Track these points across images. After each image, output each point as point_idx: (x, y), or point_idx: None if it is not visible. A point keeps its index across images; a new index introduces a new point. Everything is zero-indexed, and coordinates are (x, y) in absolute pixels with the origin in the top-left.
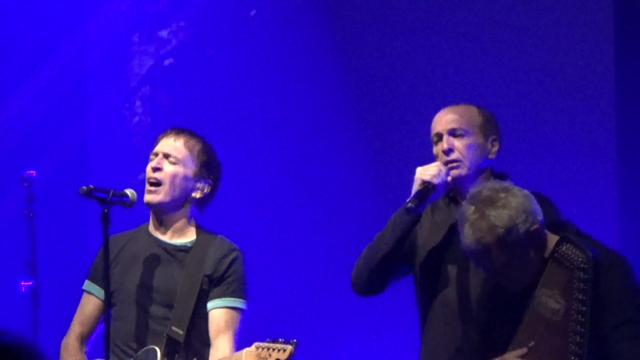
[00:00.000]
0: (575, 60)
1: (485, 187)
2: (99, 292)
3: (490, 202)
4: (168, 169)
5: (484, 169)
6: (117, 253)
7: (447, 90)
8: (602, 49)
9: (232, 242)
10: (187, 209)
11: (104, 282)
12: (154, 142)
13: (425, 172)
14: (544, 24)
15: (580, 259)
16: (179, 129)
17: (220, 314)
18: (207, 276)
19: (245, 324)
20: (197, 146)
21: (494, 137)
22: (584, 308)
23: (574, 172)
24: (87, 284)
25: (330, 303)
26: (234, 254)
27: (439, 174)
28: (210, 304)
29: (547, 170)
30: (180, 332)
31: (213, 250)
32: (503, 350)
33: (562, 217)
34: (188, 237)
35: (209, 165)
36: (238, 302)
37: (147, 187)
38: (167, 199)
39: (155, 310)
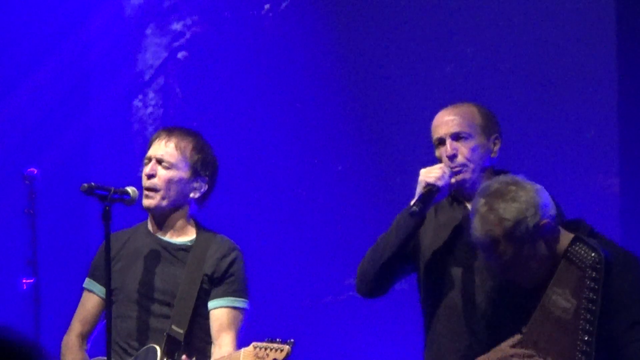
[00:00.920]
0: (577, 57)
1: (496, 180)
2: (100, 290)
3: (500, 195)
4: (162, 174)
5: (487, 167)
6: (117, 251)
7: (449, 90)
8: (604, 45)
9: (233, 241)
10: (185, 209)
11: (106, 279)
12: (149, 142)
13: (429, 175)
14: (546, 22)
15: (592, 259)
16: (169, 130)
17: (222, 313)
18: (207, 275)
19: (246, 323)
20: (189, 146)
21: (495, 135)
22: (594, 307)
23: (575, 171)
24: (88, 282)
25: (330, 303)
26: (234, 254)
27: (442, 176)
28: (211, 304)
29: (548, 168)
30: (181, 331)
31: (213, 249)
32: None
33: (563, 215)
34: (188, 236)
35: (203, 163)
36: (240, 302)
37: (145, 192)
38: (164, 203)
39: (156, 308)
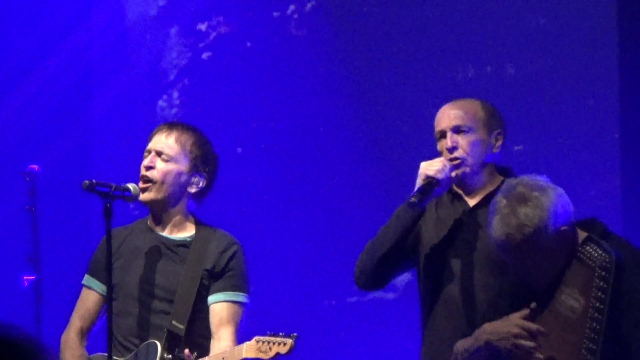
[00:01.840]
0: (578, 55)
1: (521, 182)
2: (99, 286)
3: (523, 199)
4: (160, 166)
5: (488, 163)
6: (117, 248)
7: (450, 85)
8: (606, 44)
9: (232, 236)
10: (183, 204)
11: (107, 276)
12: (149, 135)
13: (430, 167)
14: (547, 21)
15: (602, 259)
16: (171, 124)
17: (221, 307)
18: (207, 270)
19: (247, 317)
20: (190, 140)
21: (498, 131)
22: (602, 307)
23: (576, 168)
24: (87, 279)
25: (331, 297)
26: (234, 248)
27: (443, 169)
28: (211, 298)
29: (549, 165)
30: (181, 326)
31: (213, 244)
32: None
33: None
34: (187, 231)
35: (203, 159)
36: (239, 296)
37: (140, 184)
38: (160, 196)
39: (156, 305)
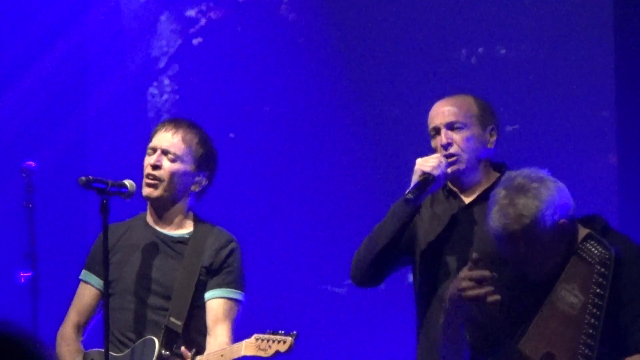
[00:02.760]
0: (575, 53)
1: (521, 174)
2: (96, 281)
3: (522, 190)
4: (167, 165)
5: (483, 159)
6: (115, 243)
7: (446, 81)
8: (600, 23)
9: (230, 233)
10: (185, 202)
11: (104, 272)
12: (150, 134)
13: (425, 164)
14: (544, 19)
15: (602, 255)
16: (176, 122)
17: (218, 304)
18: (205, 267)
19: (245, 315)
20: (195, 139)
21: (492, 126)
22: (600, 302)
23: (570, 150)
24: (84, 274)
25: (329, 295)
26: (232, 245)
27: (439, 165)
28: (207, 294)
29: (542, 147)
30: (179, 323)
31: (211, 241)
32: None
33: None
34: (186, 228)
35: (206, 158)
36: (235, 293)
37: (146, 180)
38: (166, 194)
39: (154, 301)
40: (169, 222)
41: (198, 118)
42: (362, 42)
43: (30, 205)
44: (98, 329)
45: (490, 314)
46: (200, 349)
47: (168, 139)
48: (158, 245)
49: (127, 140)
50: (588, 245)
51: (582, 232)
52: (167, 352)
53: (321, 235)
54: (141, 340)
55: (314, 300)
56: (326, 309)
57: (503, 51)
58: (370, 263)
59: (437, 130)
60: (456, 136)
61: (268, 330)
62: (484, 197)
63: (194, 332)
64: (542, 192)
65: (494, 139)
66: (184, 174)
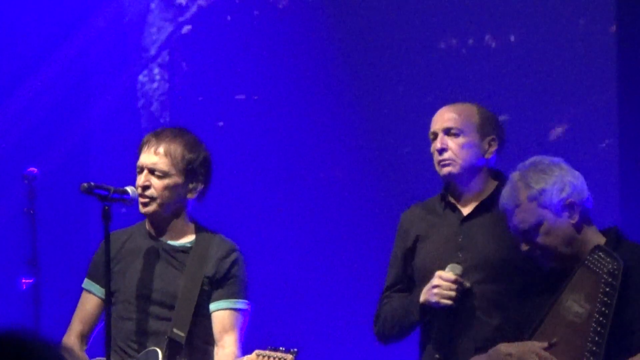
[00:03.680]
0: (576, 57)
1: (536, 157)
2: (99, 290)
3: (534, 166)
4: (156, 183)
5: (480, 168)
6: (117, 251)
7: (448, 85)
8: (604, 46)
9: (232, 242)
10: (184, 211)
11: (105, 280)
12: (138, 147)
13: (432, 299)
14: (536, 9)
15: (610, 265)
16: (157, 135)
17: (224, 315)
18: (208, 277)
19: (248, 323)
20: (179, 149)
21: (492, 137)
22: (607, 311)
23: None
24: (87, 283)
25: (331, 304)
26: (234, 255)
27: (438, 294)
28: (213, 306)
29: (533, 138)
30: (182, 334)
31: (213, 250)
32: None
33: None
34: (187, 237)
35: (196, 163)
36: (241, 303)
37: (140, 200)
38: (162, 209)
39: (156, 310)
40: (169, 232)
41: (187, 105)
42: (352, 28)
43: (32, 212)
44: (101, 338)
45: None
46: (205, 358)
47: (151, 157)
48: (160, 254)
49: (122, 149)
50: (596, 256)
51: (593, 239)
52: None
53: (323, 243)
54: (144, 351)
55: (316, 310)
56: (327, 319)
57: (493, 43)
58: (393, 339)
59: (435, 135)
60: (451, 142)
61: (269, 347)
62: (483, 209)
63: (198, 342)
64: (554, 169)
65: (493, 149)
66: (175, 186)
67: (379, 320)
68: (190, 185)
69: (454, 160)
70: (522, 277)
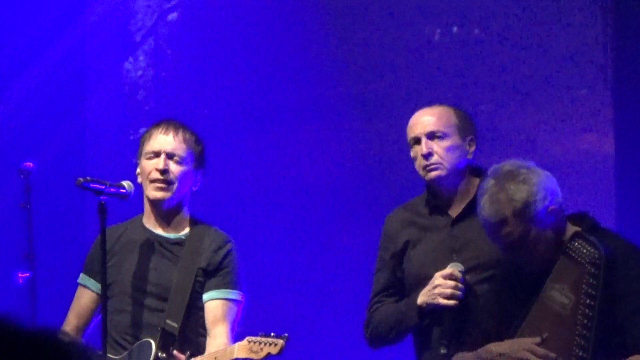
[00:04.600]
0: (571, 57)
1: (507, 162)
2: (94, 285)
3: (511, 176)
4: (175, 169)
5: (463, 169)
6: (112, 245)
7: (416, 46)
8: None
9: (226, 234)
10: (186, 202)
11: (102, 274)
12: (143, 135)
13: (435, 301)
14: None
15: (592, 255)
16: (173, 123)
17: (216, 305)
18: (201, 269)
19: (243, 315)
20: (192, 138)
21: (471, 137)
22: (592, 303)
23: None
24: (82, 277)
25: (324, 297)
26: (228, 246)
27: (442, 294)
28: (205, 296)
29: (515, 129)
30: (175, 325)
31: (207, 242)
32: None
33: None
34: (182, 229)
35: (202, 155)
36: (233, 294)
37: (156, 185)
38: (177, 196)
39: (151, 303)
40: (168, 224)
41: (173, 92)
42: (340, 15)
43: (28, 206)
44: (96, 332)
45: (481, 314)
46: (198, 350)
47: (170, 142)
48: (155, 247)
49: (117, 145)
50: (576, 244)
51: (570, 229)
52: (164, 355)
53: (318, 236)
54: (138, 342)
55: (309, 302)
56: (320, 311)
57: (477, 31)
58: (385, 343)
59: (416, 140)
60: (436, 146)
61: (260, 333)
62: (470, 210)
63: (192, 334)
64: (532, 177)
65: (472, 149)
66: (190, 174)
67: (370, 326)
68: (197, 177)
69: (441, 164)
70: (516, 274)
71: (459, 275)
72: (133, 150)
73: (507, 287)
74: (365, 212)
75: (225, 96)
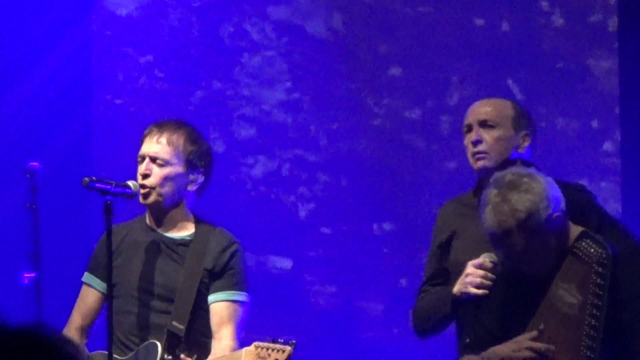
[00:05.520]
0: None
1: (509, 171)
2: (99, 284)
3: (513, 186)
4: (157, 172)
5: (513, 161)
6: (117, 245)
7: (448, 82)
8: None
9: (232, 234)
10: (184, 203)
11: (107, 274)
12: (140, 138)
13: (465, 289)
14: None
15: (599, 254)
16: (160, 125)
17: (221, 306)
18: (207, 270)
19: (248, 317)
20: (181, 139)
21: (526, 132)
22: (600, 303)
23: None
24: (87, 276)
25: (331, 300)
26: (234, 247)
27: (472, 283)
28: (211, 297)
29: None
30: (181, 326)
31: (213, 243)
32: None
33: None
34: (187, 230)
35: (197, 155)
36: (239, 295)
37: (140, 190)
38: (161, 199)
39: (156, 304)
40: (169, 225)
41: (180, 92)
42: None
43: (34, 206)
44: (102, 332)
45: (489, 312)
46: (204, 352)
47: (154, 145)
48: (160, 247)
49: (123, 143)
50: (584, 244)
51: (575, 229)
52: (170, 357)
53: (323, 237)
54: (144, 344)
55: (315, 305)
56: (326, 315)
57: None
58: (432, 332)
59: (469, 128)
60: (486, 135)
61: (268, 338)
62: None
63: (198, 335)
64: (534, 186)
65: (526, 144)
66: (176, 176)
67: (416, 314)
68: (191, 177)
69: (488, 154)
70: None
71: (490, 265)
72: (139, 151)
73: (516, 285)
74: (378, 209)
75: (231, 96)
